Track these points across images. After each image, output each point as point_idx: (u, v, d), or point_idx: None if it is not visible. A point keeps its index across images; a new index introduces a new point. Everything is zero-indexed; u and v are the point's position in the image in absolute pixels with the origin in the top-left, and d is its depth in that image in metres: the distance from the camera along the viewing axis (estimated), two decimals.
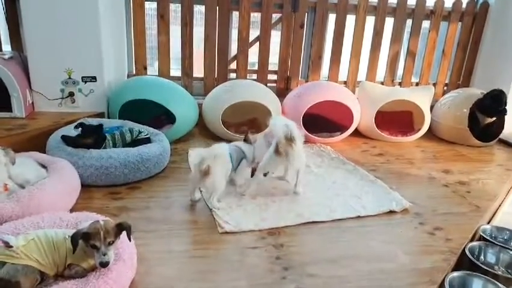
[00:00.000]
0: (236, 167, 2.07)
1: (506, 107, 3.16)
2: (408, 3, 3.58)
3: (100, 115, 2.84)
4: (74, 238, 1.23)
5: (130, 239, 1.34)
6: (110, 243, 1.25)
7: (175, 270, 1.48)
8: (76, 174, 1.95)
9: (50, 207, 1.63)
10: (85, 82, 2.77)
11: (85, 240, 1.24)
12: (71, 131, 2.31)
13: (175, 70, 3.45)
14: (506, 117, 3.25)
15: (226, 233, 1.72)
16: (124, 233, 1.32)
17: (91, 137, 2.17)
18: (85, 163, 2.04)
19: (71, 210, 1.74)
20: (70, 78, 2.73)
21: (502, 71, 3.55)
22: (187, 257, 1.56)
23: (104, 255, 1.23)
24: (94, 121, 2.46)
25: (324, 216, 1.92)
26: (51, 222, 1.47)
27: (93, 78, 2.78)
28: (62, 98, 2.76)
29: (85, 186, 2.02)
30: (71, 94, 2.76)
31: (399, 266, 1.56)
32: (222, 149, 2.00)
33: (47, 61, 2.66)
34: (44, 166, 1.92)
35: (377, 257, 1.62)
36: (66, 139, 2.19)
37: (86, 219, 1.42)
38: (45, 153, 2.15)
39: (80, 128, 2.17)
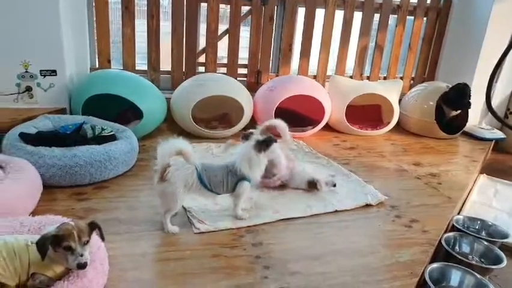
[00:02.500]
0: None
1: (470, 100, 3.26)
2: None
3: (62, 111, 2.66)
4: (42, 244, 1.12)
5: (103, 239, 1.26)
6: (85, 243, 1.16)
7: (150, 273, 1.40)
8: (36, 175, 1.80)
9: (8, 211, 1.49)
10: (44, 76, 2.59)
11: (56, 244, 1.13)
12: (30, 128, 2.15)
13: (141, 64, 3.30)
14: (469, 110, 3.36)
15: (202, 233, 1.65)
16: (96, 234, 1.22)
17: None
18: (47, 162, 1.89)
19: (33, 214, 1.60)
20: (26, 71, 2.54)
21: (465, 65, 3.66)
22: (162, 260, 1.48)
23: (81, 255, 1.13)
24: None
25: (301, 212, 1.88)
26: (11, 228, 1.34)
27: (53, 72, 2.60)
28: (19, 93, 2.57)
29: (48, 187, 1.87)
30: (29, 89, 2.57)
31: (380, 260, 1.55)
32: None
33: (0, 53, 2.46)
34: (0, 167, 1.76)
35: (358, 251, 1.60)
36: (25, 137, 2.03)
37: (50, 223, 1.31)
38: (1, 153, 1.98)
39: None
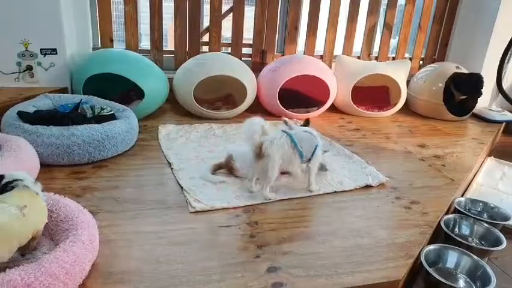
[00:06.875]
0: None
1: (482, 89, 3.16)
2: None
3: (63, 90, 2.66)
4: None
5: None
6: None
7: (142, 251, 1.39)
8: (33, 153, 1.80)
9: None
10: (44, 55, 2.58)
11: None
12: (29, 107, 2.16)
13: (147, 45, 3.27)
14: None
15: (198, 212, 1.64)
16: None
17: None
18: (45, 141, 1.89)
19: None
20: (26, 50, 2.53)
21: (476, 45, 3.54)
22: (156, 238, 1.47)
23: None
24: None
25: (300, 192, 1.86)
26: None
27: (53, 51, 2.59)
28: (19, 72, 2.57)
29: (46, 166, 1.88)
30: (29, 68, 2.57)
31: (376, 241, 1.52)
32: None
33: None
34: None
35: (354, 232, 1.58)
36: (22, 115, 2.03)
37: None
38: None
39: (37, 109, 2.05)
